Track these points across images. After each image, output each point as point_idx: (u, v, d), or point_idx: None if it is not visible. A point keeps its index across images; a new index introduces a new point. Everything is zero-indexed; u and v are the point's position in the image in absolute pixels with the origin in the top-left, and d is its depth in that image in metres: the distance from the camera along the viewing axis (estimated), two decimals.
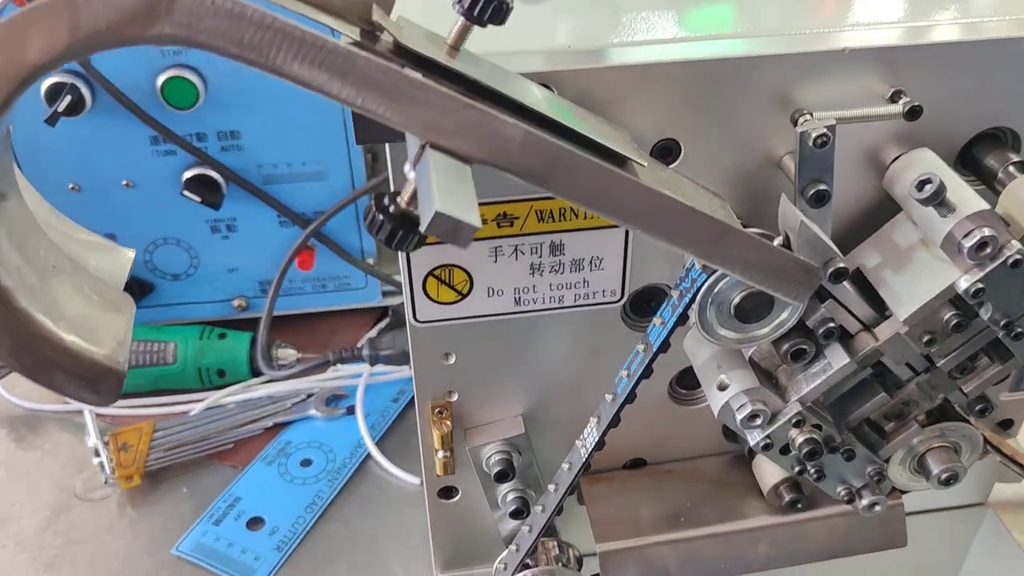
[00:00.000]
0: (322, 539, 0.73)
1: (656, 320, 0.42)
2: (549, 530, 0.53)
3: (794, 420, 0.42)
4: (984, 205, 0.38)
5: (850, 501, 0.47)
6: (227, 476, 0.78)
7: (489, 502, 0.51)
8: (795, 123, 0.40)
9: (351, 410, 0.82)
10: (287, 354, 0.85)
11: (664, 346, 0.42)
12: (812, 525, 0.49)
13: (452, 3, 0.33)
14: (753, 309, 0.40)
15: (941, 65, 0.41)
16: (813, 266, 0.37)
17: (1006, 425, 0.57)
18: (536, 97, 0.36)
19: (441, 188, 0.28)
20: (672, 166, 0.41)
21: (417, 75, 0.29)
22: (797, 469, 0.44)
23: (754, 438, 0.43)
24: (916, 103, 0.39)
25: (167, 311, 0.86)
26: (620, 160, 0.36)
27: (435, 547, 0.55)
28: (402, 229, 0.30)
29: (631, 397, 0.44)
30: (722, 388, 0.42)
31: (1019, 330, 0.41)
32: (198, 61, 0.73)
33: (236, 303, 0.87)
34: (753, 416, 0.42)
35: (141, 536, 0.73)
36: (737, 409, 0.42)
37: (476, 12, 0.33)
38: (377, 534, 0.72)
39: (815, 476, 0.46)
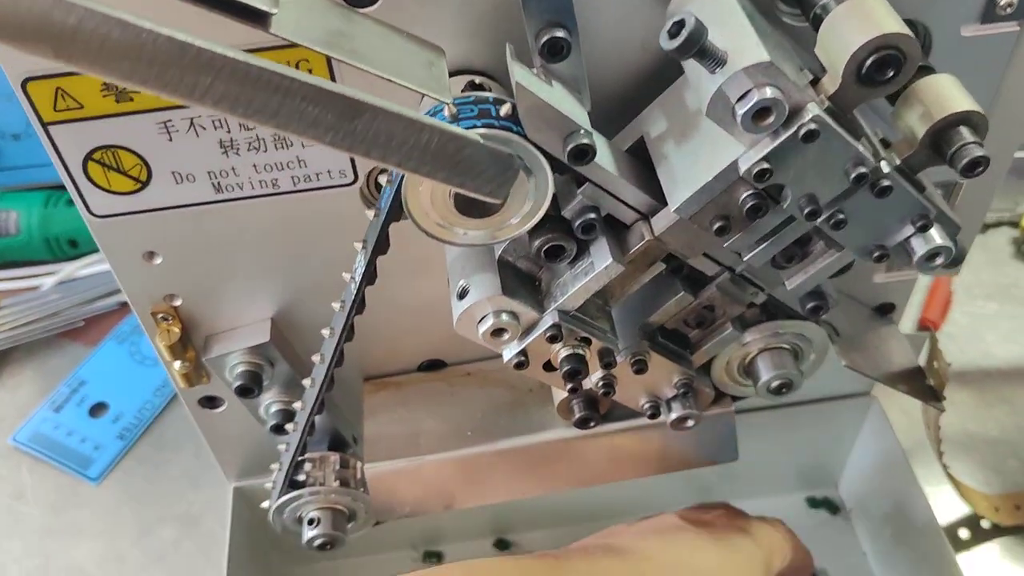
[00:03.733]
0: (169, 426, 0.67)
1: (371, 214, 0.33)
2: (339, 443, 0.46)
3: (548, 335, 0.34)
4: (764, 56, 0.27)
5: (654, 416, 0.39)
6: (77, 357, 0.72)
7: (252, 415, 0.44)
8: None
9: None
10: None
11: (382, 247, 0.33)
12: (621, 439, 0.42)
13: None
14: (477, 201, 0.30)
15: None
16: (505, 153, 0.27)
17: (886, 310, 0.47)
18: None
19: None
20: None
21: None
22: (570, 387, 0.36)
23: (507, 355, 0.35)
24: None
25: (11, 175, 0.78)
26: (253, 13, 0.26)
27: (216, 457, 0.49)
28: None
29: (360, 307, 0.36)
30: (462, 296, 0.34)
31: (840, 217, 0.32)
32: None
33: None
34: (499, 331, 0.34)
35: None
36: (478, 321, 0.34)
37: None
38: None
39: (603, 391, 0.37)
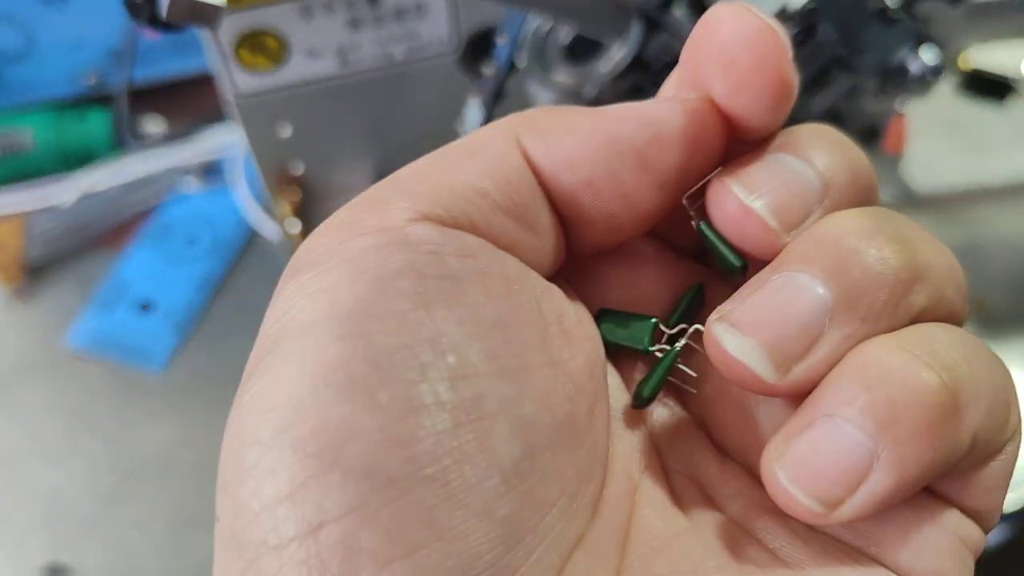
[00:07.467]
0: (218, 316, 0.73)
1: (486, 71, 0.40)
2: None
3: None
4: None
5: None
6: (110, 263, 0.76)
7: None
8: None
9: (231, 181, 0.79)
10: (154, 124, 0.80)
11: (498, 93, 0.40)
12: None
13: None
14: (584, 48, 0.38)
15: None
16: (622, 2, 0.34)
17: (871, 135, 0.57)
18: None
19: None
20: None
21: None
22: None
23: None
24: None
25: (17, 94, 0.80)
26: None
27: None
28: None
29: None
30: None
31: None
32: None
33: (89, 79, 0.81)
34: None
35: (34, 331, 0.72)
36: None
37: None
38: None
39: None
